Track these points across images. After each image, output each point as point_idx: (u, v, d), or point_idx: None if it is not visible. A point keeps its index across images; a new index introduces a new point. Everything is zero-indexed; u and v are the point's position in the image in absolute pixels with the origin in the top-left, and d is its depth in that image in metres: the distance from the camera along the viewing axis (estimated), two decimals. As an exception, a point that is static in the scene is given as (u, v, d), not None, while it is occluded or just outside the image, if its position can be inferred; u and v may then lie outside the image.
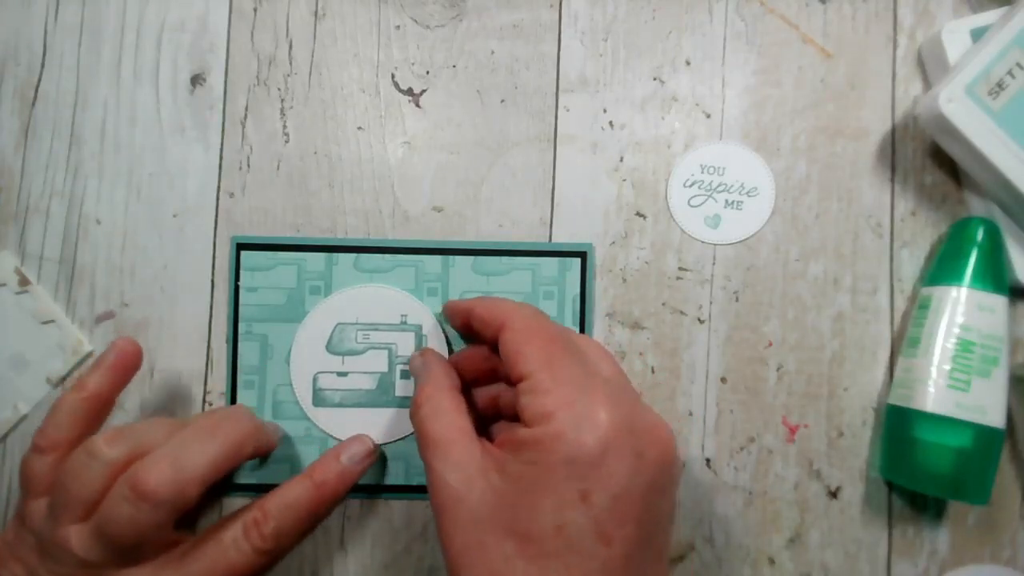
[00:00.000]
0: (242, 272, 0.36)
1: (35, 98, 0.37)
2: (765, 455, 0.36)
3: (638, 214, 0.37)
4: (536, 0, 0.38)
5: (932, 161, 0.37)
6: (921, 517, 0.36)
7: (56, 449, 0.30)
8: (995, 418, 0.33)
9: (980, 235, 0.35)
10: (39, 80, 0.37)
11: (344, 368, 0.36)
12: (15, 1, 0.37)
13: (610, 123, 0.38)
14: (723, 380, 0.37)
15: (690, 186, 0.35)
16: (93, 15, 0.37)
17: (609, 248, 0.37)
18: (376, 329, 0.36)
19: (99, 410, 0.31)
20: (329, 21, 0.38)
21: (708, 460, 0.37)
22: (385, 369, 0.36)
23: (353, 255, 0.36)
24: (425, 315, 0.36)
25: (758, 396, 0.37)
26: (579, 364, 0.27)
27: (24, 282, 0.36)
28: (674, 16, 0.38)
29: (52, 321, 0.36)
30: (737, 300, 0.37)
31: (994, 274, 0.34)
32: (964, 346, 0.33)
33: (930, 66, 0.37)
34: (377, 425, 0.36)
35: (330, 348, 0.36)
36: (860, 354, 0.37)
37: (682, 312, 0.37)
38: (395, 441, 0.36)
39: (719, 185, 0.35)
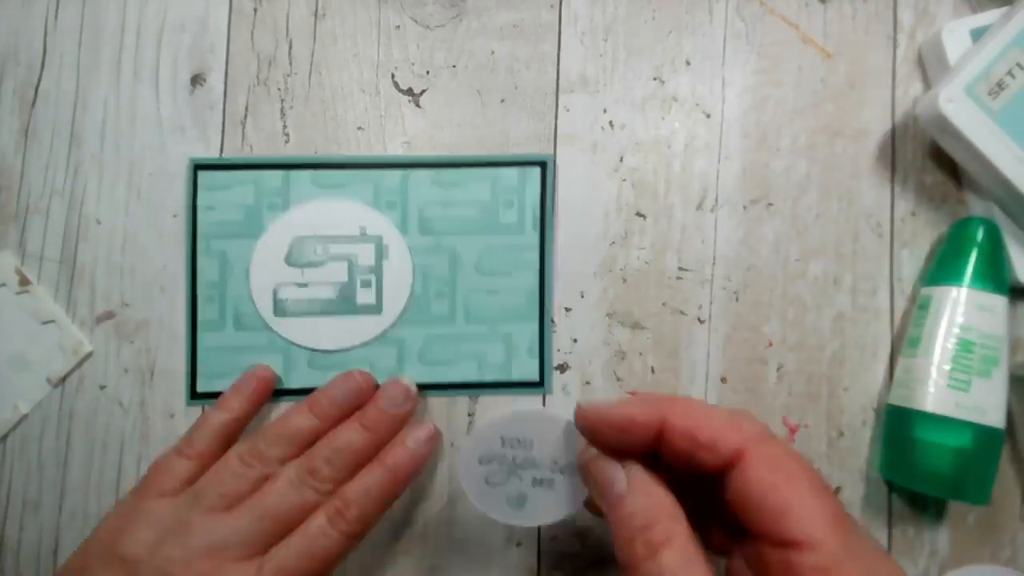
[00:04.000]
0: (200, 191, 0.37)
1: (35, 98, 0.37)
2: (765, 455, 0.36)
3: (638, 214, 0.37)
4: (536, 0, 0.38)
5: (932, 161, 0.37)
6: (921, 517, 0.36)
7: (199, 458, 0.33)
8: (995, 418, 0.33)
9: (980, 235, 0.35)
10: (39, 80, 0.37)
11: (304, 279, 0.37)
12: (15, 1, 0.37)
13: (610, 123, 0.38)
14: (723, 380, 0.37)
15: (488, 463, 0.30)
16: (93, 15, 0.37)
17: (609, 248, 0.37)
18: (335, 241, 0.37)
19: (238, 431, 0.34)
20: (329, 21, 0.38)
21: (708, 460, 0.36)
22: (345, 279, 0.37)
23: (310, 171, 0.37)
24: (385, 226, 0.37)
25: (758, 396, 0.37)
26: (854, 522, 0.22)
27: (24, 282, 0.36)
28: (674, 16, 0.38)
29: (52, 321, 0.36)
30: (737, 300, 0.37)
31: (994, 274, 0.34)
32: (964, 346, 0.33)
33: (930, 66, 0.37)
34: (339, 332, 0.36)
35: (289, 261, 0.37)
36: (860, 354, 0.37)
37: (682, 312, 0.37)
38: (359, 346, 0.36)
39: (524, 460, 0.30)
